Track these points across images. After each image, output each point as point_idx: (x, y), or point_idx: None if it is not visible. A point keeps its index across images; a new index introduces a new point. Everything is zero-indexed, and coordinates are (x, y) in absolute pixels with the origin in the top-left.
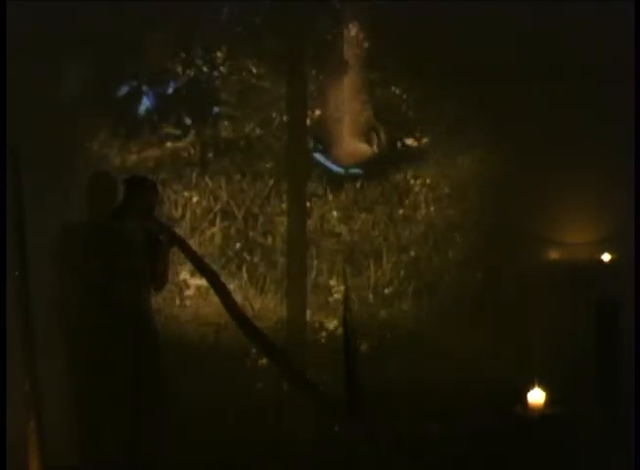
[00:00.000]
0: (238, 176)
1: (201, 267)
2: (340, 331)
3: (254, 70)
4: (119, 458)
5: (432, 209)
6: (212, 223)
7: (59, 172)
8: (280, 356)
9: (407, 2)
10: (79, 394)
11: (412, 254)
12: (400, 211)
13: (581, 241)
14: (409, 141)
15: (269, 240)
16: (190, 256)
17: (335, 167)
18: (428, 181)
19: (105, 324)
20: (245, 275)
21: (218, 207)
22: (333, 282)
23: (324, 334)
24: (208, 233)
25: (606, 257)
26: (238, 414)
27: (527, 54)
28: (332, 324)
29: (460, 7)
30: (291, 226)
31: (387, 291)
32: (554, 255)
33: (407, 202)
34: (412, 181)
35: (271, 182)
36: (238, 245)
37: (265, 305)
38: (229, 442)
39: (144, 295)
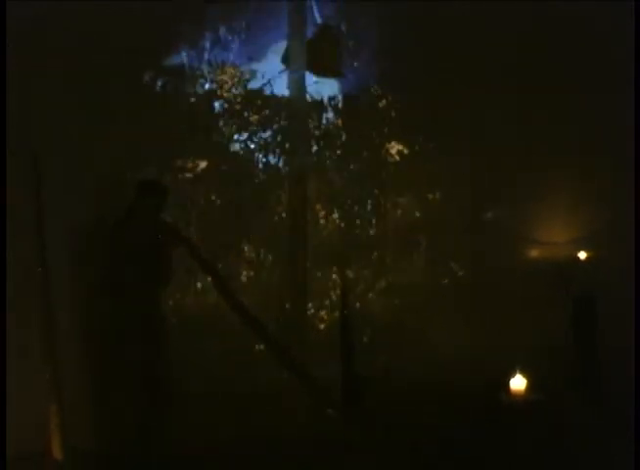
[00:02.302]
0: None
1: (204, 266)
2: (337, 324)
3: None
4: (132, 435)
5: (424, 210)
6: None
7: (75, 174)
8: (280, 348)
9: None
10: (96, 378)
11: (402, 252)
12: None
13: (560, 240)
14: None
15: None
16: (194, 255)
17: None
18: (417, 184)
19: (117, 314)
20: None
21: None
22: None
23: (322, 326)
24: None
25: (582, 255)
26: (240, 398)
27: (509, 55)
28: (330, 317)
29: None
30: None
31: (380, 285)
32: (535, 253)
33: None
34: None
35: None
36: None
37: (265, 301)
38: (231, 423)
39: (153, 287)
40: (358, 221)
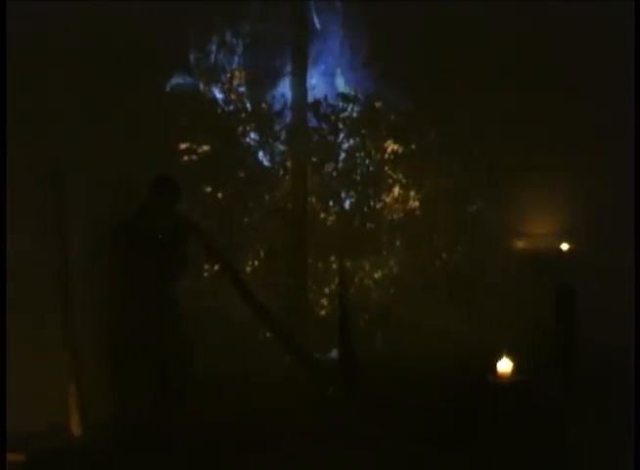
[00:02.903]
0: None
1: (216, 256)
2: (336, 310)
3: None
4: (146, 413)
5: (416, 203)
6: None
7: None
8: (285, 334)
9: None
10: (115, 357)
11: (397, 243)
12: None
13: (543, 232)
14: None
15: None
16: (207, 245)
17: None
18: (410, 179)
19: (134, 301)
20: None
21: None
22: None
23: (323, 313)
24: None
25: (564, 246)
26: (247, 380)
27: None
28: (330, 304)
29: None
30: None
31: (377, 275)
32: (520, 244)
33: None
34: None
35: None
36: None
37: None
38: (237, 403)
39: (168, 276)
40: (356, 216)
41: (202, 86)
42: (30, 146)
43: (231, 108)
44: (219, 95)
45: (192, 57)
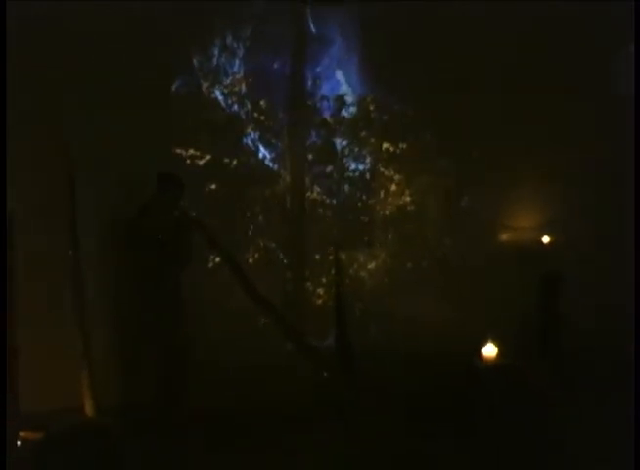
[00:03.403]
0: None
1: (218, 248)
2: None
3: None
4: (153, 399)
5: (407, 198)
6: None
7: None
8: (285, 321)
9: None
10: (123, 346)
11: (390, 236)
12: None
13: (528, 226)
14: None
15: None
16: (209, 239)
17: None
18: (402, 176)
19: (141, 293)
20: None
21: None
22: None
23: (320, 302)
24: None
25: (546, 238)
26: (249, 366)
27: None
28: (327, 294)
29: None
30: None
31: (371, 266)
32: (506, 236)
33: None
34: (387, 173)
35: None
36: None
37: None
38: (238, 388)
39: (172, 271)
40: (351, 211)
41: (204, 87)
42: (41, 146)
43: (233, 108)
44: (221, 96)
45: (195, 60)
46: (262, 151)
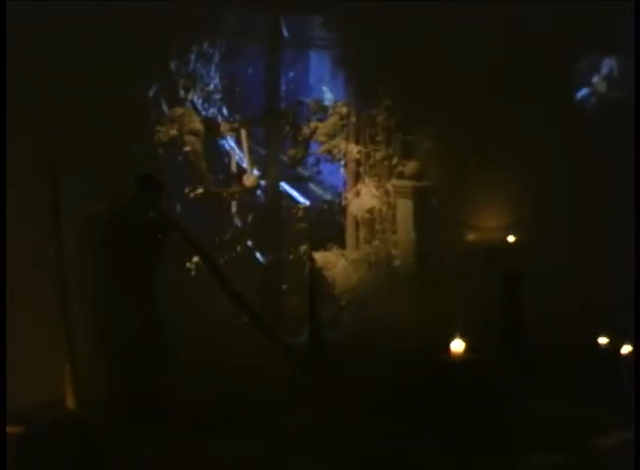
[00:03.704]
0: None
1: (195, 248)
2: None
3: None
4: (135, 394)
5: (379, 200)
6: None
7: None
8: (260, 319)
9: None
10: (103, 341)
11: (362, 237)
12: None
13: (492, 226)
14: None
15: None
16: (186, 239)
17: None
18: (373, 179)
19: (121, 294)
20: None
21: None
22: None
23: (294, 301)
24: None
25: (511, 238)
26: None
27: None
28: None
29: None
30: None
31: (343, 266)
32: (472, 237)
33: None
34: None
35: None
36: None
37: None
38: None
39: (151, 266)
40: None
41: (182, 92)
42: (28, 144)
43: (209, 112)
44: (198, 100)
45: (173, 65)
46: (238, 154)
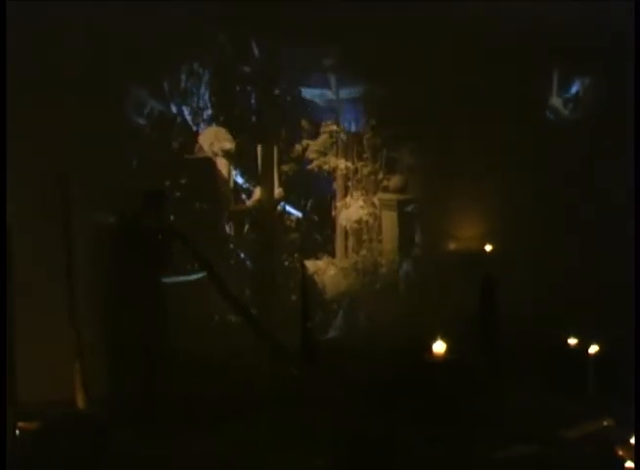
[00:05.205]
0: None
1: (198, 258)
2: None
3: None
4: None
5: (366, 212)
6: None
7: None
8: (255, 320)
9: None
10: (110, 341)
11: (350, 246)
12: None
13: (470, 235)
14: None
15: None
16: (189, 248)
17: None
18: (360, 192)
19: (127, 294)
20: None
21: None
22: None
23: (288, 303)
24: None
25: (488, 247)
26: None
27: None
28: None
29: None
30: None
31: (333, 273)
32: (452, 245)
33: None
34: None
35: None
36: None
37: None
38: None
39: (155, 272)
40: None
41: (174, 108)
42: (38, 149)
43: (200, 128)
44: (189, 117)
45: (165, 84)
46: (233, 171)
